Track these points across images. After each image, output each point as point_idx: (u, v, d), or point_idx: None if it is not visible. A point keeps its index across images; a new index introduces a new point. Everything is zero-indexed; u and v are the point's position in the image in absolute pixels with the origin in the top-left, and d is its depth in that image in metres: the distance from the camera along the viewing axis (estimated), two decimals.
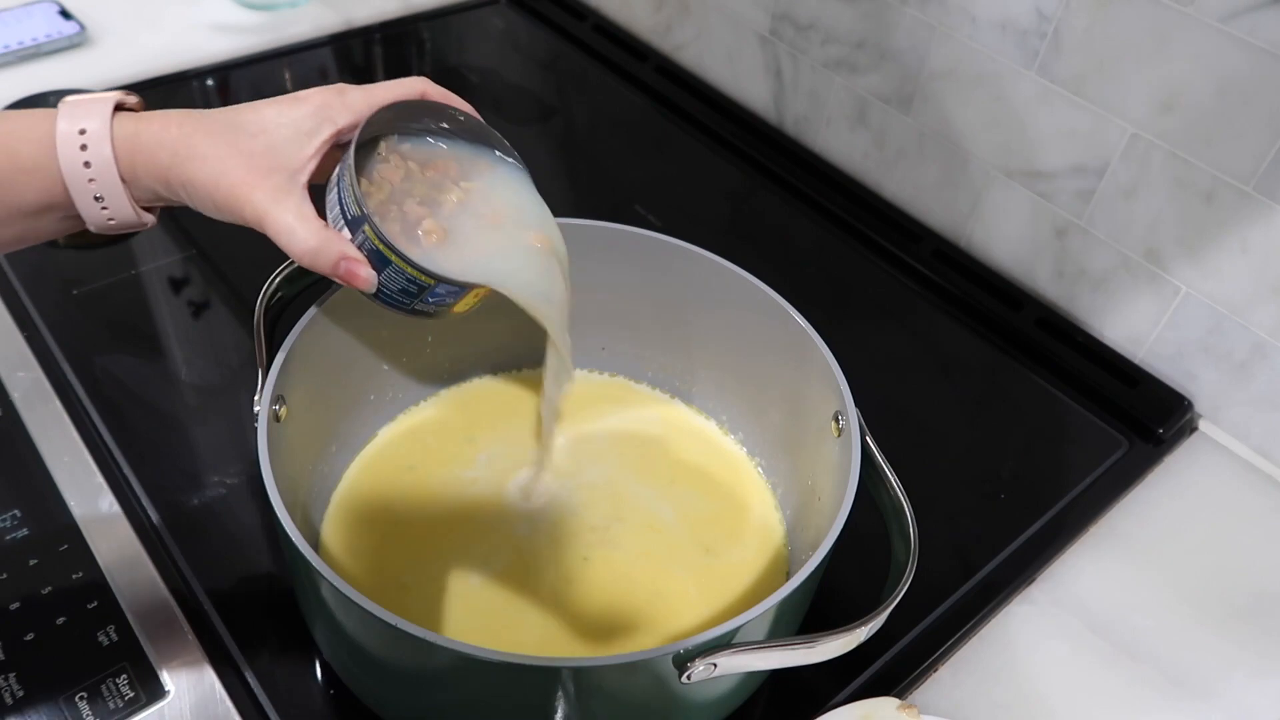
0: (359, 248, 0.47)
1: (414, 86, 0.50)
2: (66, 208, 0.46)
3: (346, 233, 0.47)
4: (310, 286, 0.58)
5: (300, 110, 0.48)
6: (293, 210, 0.46)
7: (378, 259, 0.47)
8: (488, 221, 0.51)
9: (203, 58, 0.95)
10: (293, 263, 0.58)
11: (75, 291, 0.72)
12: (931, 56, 0.79)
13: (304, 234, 0.45)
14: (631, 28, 1.06)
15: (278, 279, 0.57)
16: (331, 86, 0.49)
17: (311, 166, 0.47)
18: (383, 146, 0.51)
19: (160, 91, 0.91)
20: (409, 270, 0.47)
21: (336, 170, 0.48)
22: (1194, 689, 0.57)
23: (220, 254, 0.75)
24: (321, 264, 0.46)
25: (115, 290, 0.72)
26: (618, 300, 0.64)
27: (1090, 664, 0.58)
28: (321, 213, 0.48)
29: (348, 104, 0.48)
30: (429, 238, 0.50)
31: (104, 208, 0.46)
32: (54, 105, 0.47)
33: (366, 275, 0.47)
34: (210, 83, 0.94)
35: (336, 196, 0.48)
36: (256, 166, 0.46)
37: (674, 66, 1.01)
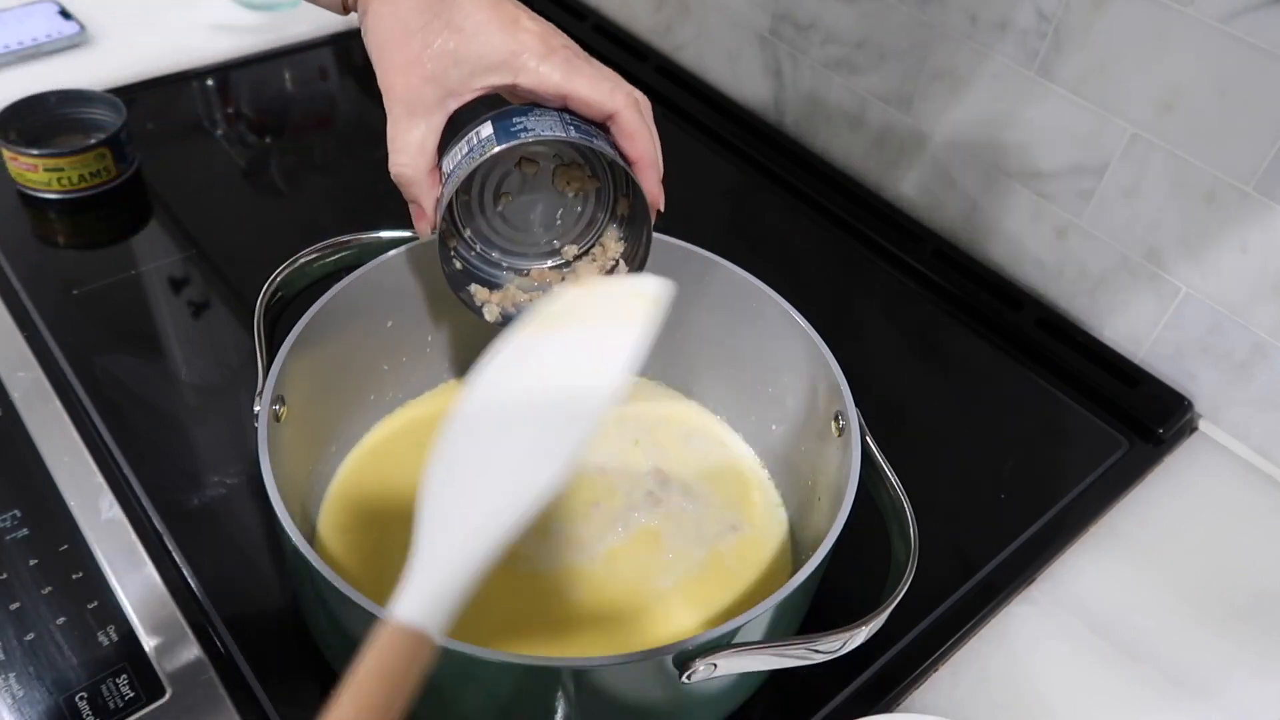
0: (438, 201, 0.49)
1: (609, 107, 0.48)
2: None
3: (438, 185, 0.49)
4: (310, 286, 0.58)
5: (500, 39, 0.47)
6: (417, 132, 0.48)
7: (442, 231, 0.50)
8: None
9: (203, 58, 0.95)
10: (293, 263, 0.58)
11: (75, 291, 0.72)
12: (931, 56, 0.79)
13: (404, 160, 0.48)
14: (631, 28, 1.06)
15: (278, 279, 0.57)
16: (550, 33, 0.48)
17: (469, 98, 0.48)
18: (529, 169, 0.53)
19: (160, 91, 0.91)
20: (443, 271, 0.50)
21: (481, 132, 0.48)
22: (1194, 689, 0.57)
23: (220, 254, 0.75)
24: (402, 189, 0.50)
25: (115, 290, 0.72)
26: None
27: (1090, 664, 0.58)
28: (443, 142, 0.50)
29: (541, 72, 0.47)
30: (481, 295, 0.54)
31: None
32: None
33: (423, 229, 0.50)
34: (210, 83, 0.94)
35: (460, 152, 0.48)
36: (423, 64, 0.47)
37: (674, 66, 1.01)
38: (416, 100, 0.48)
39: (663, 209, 0.51)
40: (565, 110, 0.49)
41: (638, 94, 0.49)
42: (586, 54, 0.49)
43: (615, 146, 0.49)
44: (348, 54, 1.01)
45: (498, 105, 0.50)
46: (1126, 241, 0.73)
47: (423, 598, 0.36)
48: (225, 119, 0.92)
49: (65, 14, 0.94)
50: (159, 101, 0.90)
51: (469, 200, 0.54)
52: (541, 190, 0.55)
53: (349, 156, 0.89)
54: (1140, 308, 0.74)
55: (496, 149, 0.47)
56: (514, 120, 0.48)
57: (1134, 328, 0.75)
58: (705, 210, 0.87)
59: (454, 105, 0.48)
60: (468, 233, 0.55)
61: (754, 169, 0.91)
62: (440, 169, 0.50)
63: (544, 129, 0.47)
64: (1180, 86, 0.66)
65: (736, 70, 0.97)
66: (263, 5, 1.01)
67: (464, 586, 0.36)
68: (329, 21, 1.01)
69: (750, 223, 0.87)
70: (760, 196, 0.89)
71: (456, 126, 0.50)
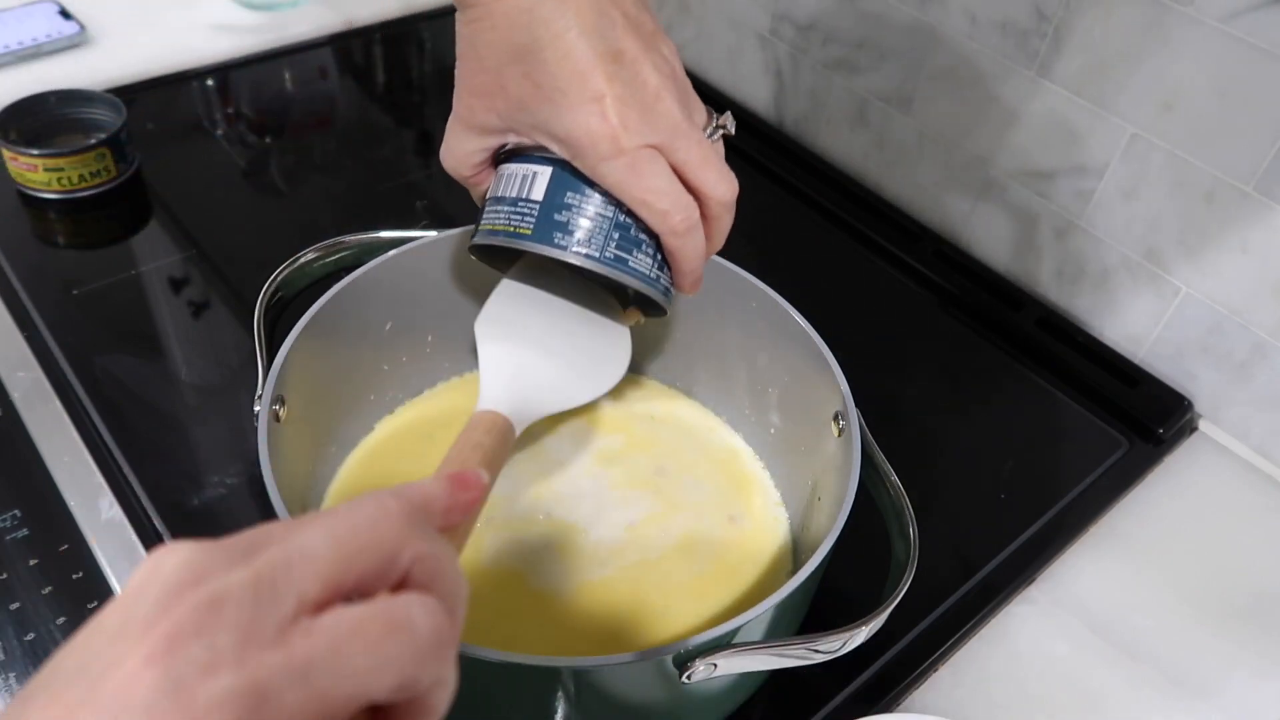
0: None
1: (655, 229, 0.45)
2: None
3: (485, 178, 0.50)
4: (310, 286, 0.58)
5: (570, 118, 0.43)
6: (470, 145, 0.48)
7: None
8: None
9: (203, 58, 0.95)
10: (293, 263, 0.58)
11: (75, 291, 0.72)
12: (931, 56, 0.79)
13: (450, 162, 0.49)
14: None
15: (278, 279, 0.57)
16: (629, 127, 0.43)
17: (528, 143, 0.46)
18: None
19: (160, 91, 0.91)
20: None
21: (534, 187, 0.47)
22: (1194, 689, 0.57)
23: (220, 254, 0.75)
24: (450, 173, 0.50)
25: (115, 290, 0.72)
26: None
27: (1090, 664, 0.58)
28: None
29: (599, 172, 0.44)
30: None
31: None
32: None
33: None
34: (210, 83, 0.94)
35: (511, 184, 0.47)
36: (493, 98, 0.45)
37: None
38: (479, 122, 0.46)
39: (693, 292, 0.50)
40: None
41: (691, 213, 0.45)
42: (690, 134, 0.45)
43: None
44: (348, 54, 1.01)
45: None
46: (1126, 241, 0.73)
47: (498, 399, 0.47)
48: (225, 119, 0.92)
49: (65, 14, 0.94)
50: (159, 101, 0.90)
51: None
52: None
53: (349, 156, 0.89)
54: (1140, 308, 0.74)
55: (519, 244, 0.46)
56: (566, 202, 0.46)
57: (1134, 328, 0.75)
58: None
59: (514, 140, 0.47)
60: None
61: (754, 169, 0.91)
62: (495, 166, 0.49)
63: (575, 238, 0.45)
64: (1180, 86, 0.66)
65: (736, 70, 0.97)
66: (263, 5, 1.01)
67: (524, 419, 0.48)
68: (329, 21, 1.01)
69: (750, 223, 0.87)
70: (760, 196, 0.89)
71: None
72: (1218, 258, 0.69)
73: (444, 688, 0.28)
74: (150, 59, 0.93)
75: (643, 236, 0.46)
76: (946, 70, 0.79)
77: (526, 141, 0.46)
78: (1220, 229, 0.68)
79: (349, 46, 1.01)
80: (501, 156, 0.48)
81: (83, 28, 0.94)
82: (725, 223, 0.47)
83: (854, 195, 0.88)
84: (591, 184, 0.45)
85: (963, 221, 0.83)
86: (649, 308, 0.52)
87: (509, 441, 0.45)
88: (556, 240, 0.46)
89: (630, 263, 0.46)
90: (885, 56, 0.83)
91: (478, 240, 0.49)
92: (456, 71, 0.46)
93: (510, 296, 0.54)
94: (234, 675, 0.23)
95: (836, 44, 0.86)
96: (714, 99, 0.98)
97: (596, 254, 0.45)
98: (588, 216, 0.45)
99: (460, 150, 0.48)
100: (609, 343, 0.55)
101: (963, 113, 0.79)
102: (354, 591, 0.26)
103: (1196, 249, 0.69)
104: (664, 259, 0.47)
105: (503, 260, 0.54)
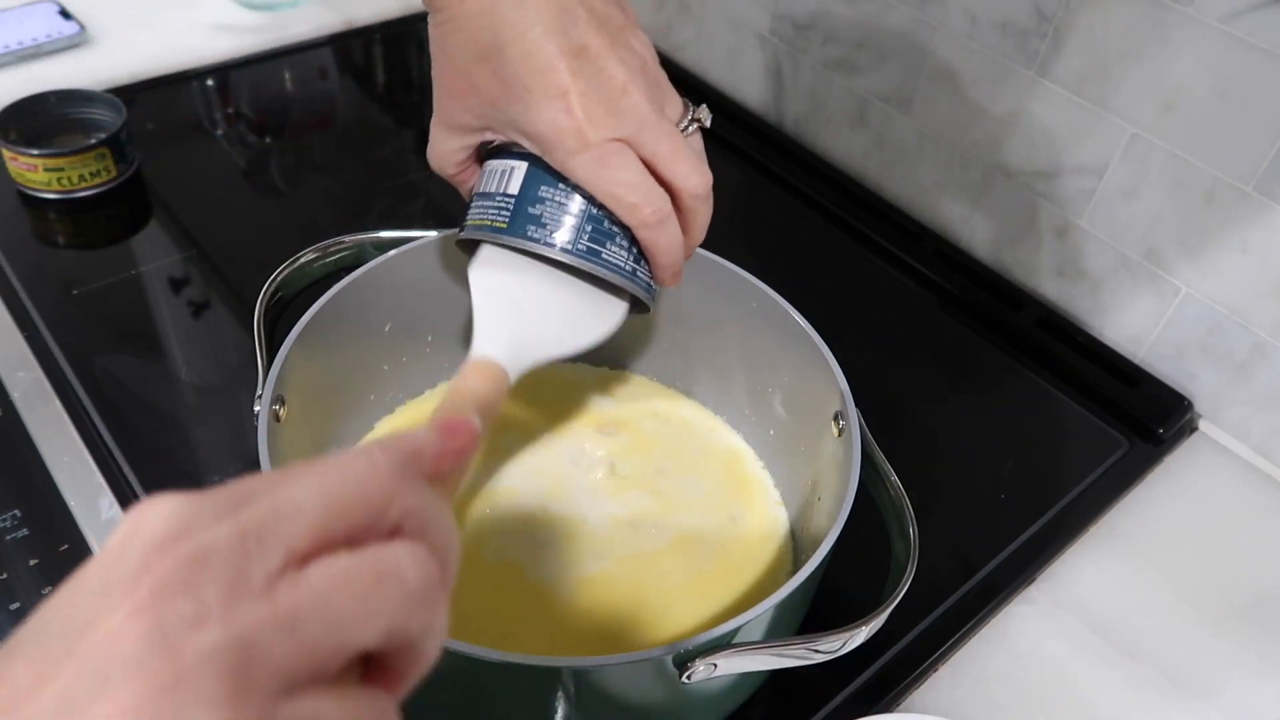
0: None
1: (627, 221, 0.46)
2: None
3: (471, 172, 0.50)
4: (310, 286, 0.58)
5: (536, 114, 0.44)
6: (452, 144, 0.48)
7: None
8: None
9: (203, 58, 0.95)
10: (293, 263, 0.58)
11: (75, 291, 0.72)
12: (931, 56, 0.79)
13: (434, 161, 0.50)
14: None
15: (278, 279, 0.57)
16: (595, 120, 0.43)
17: (500, 141, 0.48)
18: None
19: (160, 92, 0.91)
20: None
21: (511, 181, 0.48)
22: (1194, 689, 0.57)
23: (220, 254, 0.75)
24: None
25: (115, 290, 0.72)
26: None
27: (1090, 664, 0.58)
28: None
29: (568, 166, 0.45)
30: None
31: None
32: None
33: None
34: (210, 83, 0.94)
35: (491, 180, 0.48)
36: (467, 98, 0.46)
37: (674, 66, 1.01)
38: (456, 121, 0.47)
39: (673, 285, 0.49)
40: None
41: (663, 205, 0.45)
42: (658, 126, 0.44)
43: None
44: (348, 54, 1.01)
45: None
46: (1126, 241, 0.73)
47: (491, 344, 0.45)
48: (225, 119, 0.92)
49: (65, 14, 0.94)
50: (159, 101, 0.90)
51: None
52: None
53: (349, 156, 0.89)
54: (1140, 308, 0.74)
55: (496, 238, 0.47)
56: (540, 195, 0.46)
57: (1134, 328, 0.75)
58: None
59: (492, 137, 0.48)
60: None
61: (754, 169, 0.91)
62: (479, 162, 0.50)
63: (549, 231, 0.46)
64: (1180, 86, 0.66)
65: (736, 70, 0.97)
66: (263, 5, 1.01)
67: (518, 366, 0.46)
68: (329, 21, 1.01)
69: (750, 223, 0.87)
70: (760, 196, 0.89)
71: None
72: (1218, 258, 0.69)
73: (435, 635, 0.27)
74: (150, 59, 0.93)
75: (615, 229, 0.47)
76: (946, 70, 0.79)
77: (504, 138, 0.47)
78: (1220, 229, 0.68)
79: (349, 46, 1.01)
80: (486, 153, 0.49)
81: (83, 28, 0.94)
82: (702, 215, 0.47)
83: (854, 195, 0.88)
84: (564, 179, 0.46)
85: (963, 221, 0.83)
86: (632, 304, 0.52)
87: (503, 390, 0.44)
88: (530, 233, 0.46)
89: (604, 255, 0.47)
90: (885, 56, 0.83)
91: (461, 236, 0.50)
92: (433, 73, 0.47)
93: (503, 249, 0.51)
94: (221, 628, 0.22)
95: (836, 44, 0.86)
96: (714, 99, 0.98)
97: (570, 246, 0.46)
98: (561, 210, 0.46)
99: (443, 149, 0.49)
100: (602, 293, 0.52)
101: (963, 113, 0.79)
102: (343, 544, 0.26)
103: (1196, 249, 0.69)
104: (640, 252, 0.48)
105: None
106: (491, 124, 0.47)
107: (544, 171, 0.46)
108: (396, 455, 0.28)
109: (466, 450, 0.32)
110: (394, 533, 0.27)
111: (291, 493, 0.25)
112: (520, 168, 0.47)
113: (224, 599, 0.23)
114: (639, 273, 0.48)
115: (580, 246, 0.46)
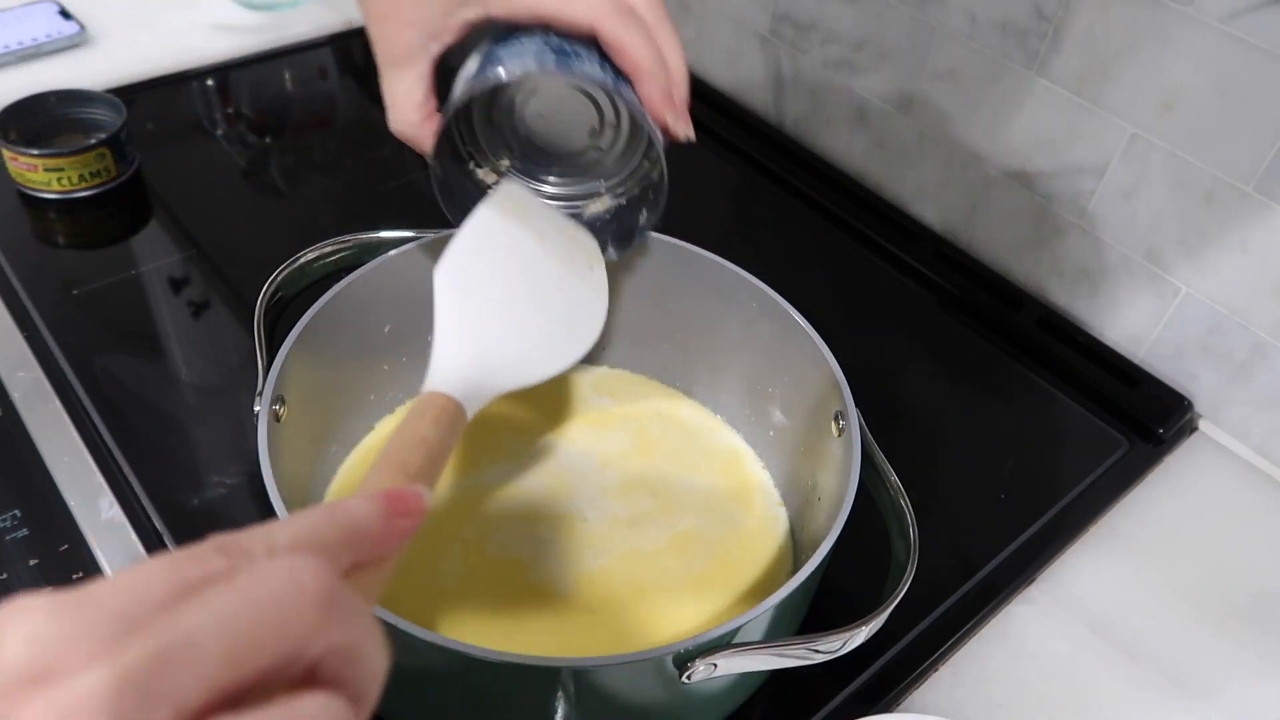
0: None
1: (584, 22, 0.45)
2: None
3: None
4: (310, 286, 0.58)
5: None
6: (404, 84, 0.47)
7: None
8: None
9: (203, 58, 0.95)
10: (293, 262, 0.58)
11: (75, 291, 0.72)
12: (931, 56, 0.79)
13: (395, 116, 0.48)
14: None
15: (278, 279, 0.57)
16: None
17: (450, 39, 0.46)
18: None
19: (160, 91, 0.91)
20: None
21: (469, 65, 0.47)
22: (1194, 689, 0.57)
23: (220, 254, 0.75)
24: (405, 142, 0.49)
25: (115, 290, 0.72)
26: (618, 300, 0.64)
27: (1090, 664, 0.58)
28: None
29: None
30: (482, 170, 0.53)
31: None
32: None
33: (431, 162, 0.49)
34: (210, 83, 0.94)
35: (456, 85, 0.48)
36: (401, 10, 0.45)
37: None
38: (399, 50, 0.46)
39: (679, 133, 0.47)
40: (551, 32, 0.46)
41: (617, 4, 0.45)
42: None
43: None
44: (348, 54, 1.01)
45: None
46: (1126, 241, 0.73)
47: (450, 376, 0.41)
48: (225, 119, 0.92)
49: (65, 14, 0.94)
50: (159, 101, 0.90)
51: (493, 122, 0.53)
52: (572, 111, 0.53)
53: (349, 156, 0.89)
54: (1140, 308, 0.74)
55: (457, 96, 0.47)
56: (495, 51, 0.47)
57: (1134, 328, 0.75)
58: (705, 210, 0.87)
59: (437, 49, 0.47)
60: (505, 163, 0.54)
61: (754, 169, 0.91)
62: (439, 109, 0.49)
63: (515, 63, 0.45)
64: (1180, 86, 0.66)
65: (736, 70, 0.97)
66: (263, 5, 1.01)
67: (480, 398, 0.41)
68: (329, 21, 1.01)
69: (750, 223, 0.87)
70: (760, 197, 0.89)
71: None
72: (1218, 258, 0.69)
73: None
74: (150, 59, 0.93)
75: (579, 48, 0.46)
76: (946, 70, 0.79)
77: (451, 38, 0.47)
78: (1220, 229, 0.68)
79: (349, 46, 1.01)
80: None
81: (83, 28, 0.94)
82: (664, 29, 0.46)
83: (854, 195, 0.88)
84: (520, 29, 0.46)
85: (963, 221, 0.83)
86: (616, 239, 0.51)
87: (458, 432, 0.40)
88: (497, 72, 0.46)
89: (573, 64, 0.46)
90: (885, 56, 0.83)
91: (446, 110, 0.48)
92: (367, 26, 0.47)
93: (476, 245, 0.48)
94: None
95: (836, 44, 0.86)
96: (714, 99, 0.98)
97: (535, 66, 0.45)
98: (524, 48, 0.46)
99: (399, 94, 0.47)
100: (580, 305, 0.50)
101: (963, 113, 0.79)
102: (244, 690, 0.21)
103: (1196, 249, 0.69)
104: (618, 72, 0.46)
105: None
106: (432, 27, 0.46)
107: (503, 32, 0.47)
108: (329, 562, 0.23)
109: (412, 532, 0.28)
110: (309, 674, 0.22)
111: (190, 623, 0.20)
112: (483, 46, 0.48)
113: None
114: (622, 89, 0.46)
115: (548, 62, 0.45)
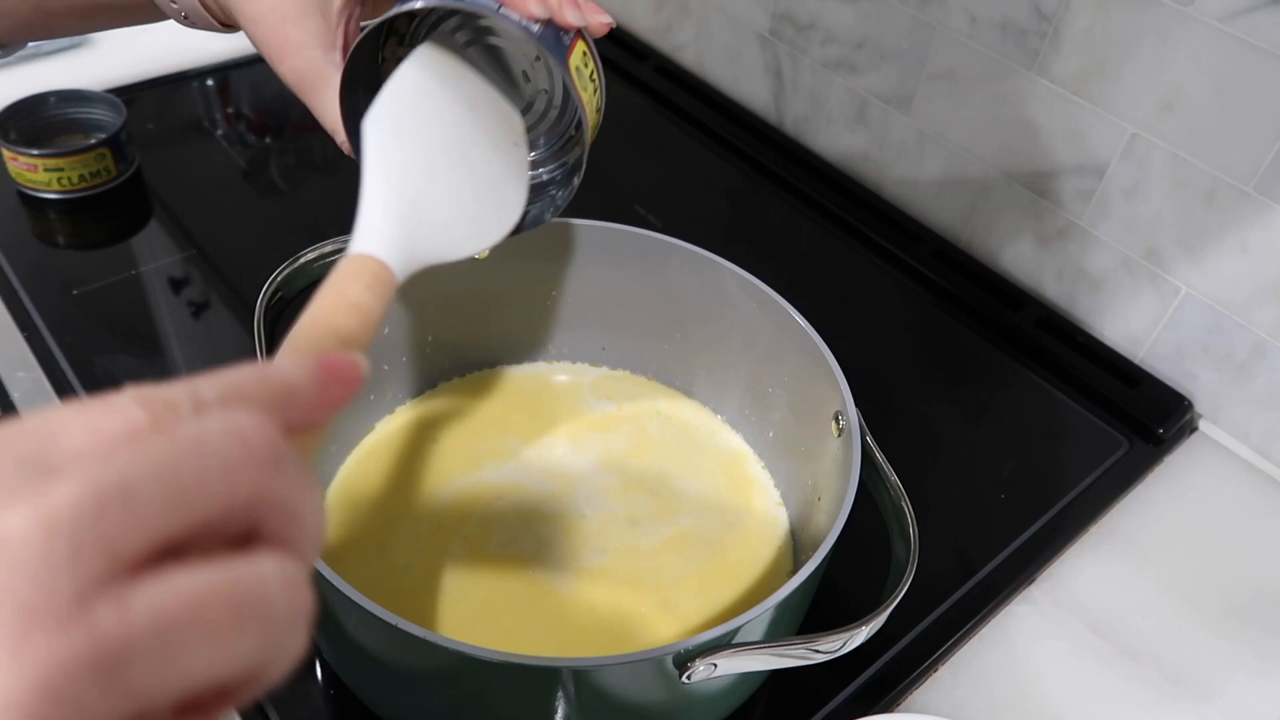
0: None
1: None
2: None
3: None
4: (310, 286, 0.58)
5: None
6: (329, 102, 0.47)
7: None
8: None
9: (203, 58, 0.95)
10: (293, 262, 0.58)
11: (75, 291, 0.72)
12: (931, 56, 0.79)
13: (343, 139, 0.47)
14: (631, 28, 1.06)
15: (278, 279, 0.57)
16: None
17: (341, 41, 0.46)
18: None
19: (160, 91, 0.91)
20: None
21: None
22: (1194, 689, 0.57)
23: (220, 254, 0.75)
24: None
25: (115, 290, 0.72)
26: (618, 300, 0.64)
27: (1090, 664, 0.58)
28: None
29: None
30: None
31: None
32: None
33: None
34: (210, 83, 0.94)
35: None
36: (289, 30, 0.45)
37: (674, 66, 1.01)
38: (304, 37, 0.46)
39: (570, 20, 0.44)
40: None
41: None
42: None
43: None
44: None
45: None
46: (1126, 241, 0.73)
47: (381, 234, 0.38)
48: (225, 119, 0.92)
49: None
50: (159, 101, 0.90)
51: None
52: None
53: (349, 156, 0.89)
54: (1140, 308, 0.74)
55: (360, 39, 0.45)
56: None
57: (1134, 328, 0.75)
58: (705, 210, 0.87)
59: (337, 57, 0.46)
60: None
61: (754, 169, 0.91)
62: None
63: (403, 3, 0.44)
64: (1180, 86, 0.66)
65: (736, 70, 0.97)
66: None
67: (408, 266, 0.38)
68: None
69: (750, 223, 0.87)
70: (760, 196, 0.89)
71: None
72: (1218, 258, 0.69)
73: (289, 660, 0.21)
74: (150, 59, 0.93)
75: None
76: (946, 70, 0.79)
77: (343, 42, 0.46)
78: (1220, 229, 0.68)
79: None
80: None
81: None
82: None
83: (854, 195, 0.88)
84: None
85: (963, 221, 0.83)
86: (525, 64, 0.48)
87: (388, 300, 0.36)
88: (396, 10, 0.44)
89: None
90: (885, 56, 0.83)
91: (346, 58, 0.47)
92: (254, 35, 0.47)
93: (405, 99, 0.45)
94: (9, 673, 0.16)
95: (836, 44, 0.86)
96: (714, 99, 0.98)
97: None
98: None
99: (329, 118, 0.47)
100: (505, 182, 0.47)
101: (963, 113, 0.79)
102: (183, 543, 0.19)
103: (1196, 249, 0.69)
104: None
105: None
106: (320, 35, 0.46)
107: None
108: (267, 417, 0.21)
109: (346, 400, 0.25)
110: (251, 531, 0.21)
111: (124, 465, 0.18)
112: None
113: (17, 628, 0.16)
114: (504, 9, 0.43)
115: None
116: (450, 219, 0.42)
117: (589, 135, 0.48)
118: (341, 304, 0.32)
